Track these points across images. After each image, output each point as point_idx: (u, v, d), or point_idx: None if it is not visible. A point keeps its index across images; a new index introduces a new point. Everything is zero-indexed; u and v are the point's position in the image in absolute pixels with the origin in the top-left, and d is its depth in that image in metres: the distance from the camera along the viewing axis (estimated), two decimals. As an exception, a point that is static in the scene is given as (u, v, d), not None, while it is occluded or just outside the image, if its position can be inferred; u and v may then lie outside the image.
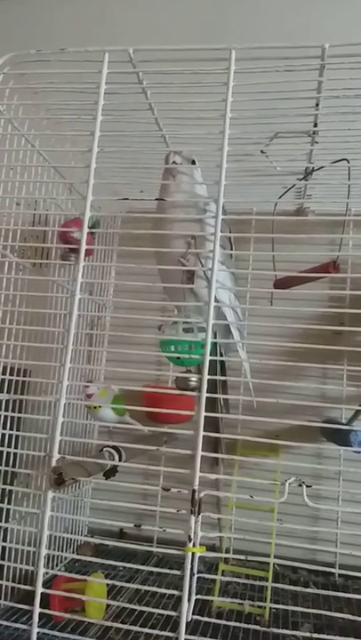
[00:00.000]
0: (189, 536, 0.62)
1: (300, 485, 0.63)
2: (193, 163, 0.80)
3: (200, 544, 0.63)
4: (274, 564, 0.94)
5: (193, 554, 0.62)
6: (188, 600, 0.62)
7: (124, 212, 1.19)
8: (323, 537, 1.06)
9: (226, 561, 1.00)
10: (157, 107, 0.82)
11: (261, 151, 0.84)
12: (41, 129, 0.85)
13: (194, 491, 0.63)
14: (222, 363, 0.84)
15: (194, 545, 0.62)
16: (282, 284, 0.92)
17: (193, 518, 0.62)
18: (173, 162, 0.78)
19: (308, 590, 0.70)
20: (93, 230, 0.74)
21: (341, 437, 0.90)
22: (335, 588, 1.02)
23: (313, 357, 0.92)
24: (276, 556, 0.92)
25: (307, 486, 0.63)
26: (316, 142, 0.82)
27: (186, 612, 0.62)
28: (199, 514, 0.63)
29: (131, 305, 0.75)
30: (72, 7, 1.38)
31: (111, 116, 0.75)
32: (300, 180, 0.88)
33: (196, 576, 0.62)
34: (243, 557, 0.70)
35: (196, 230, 0.75)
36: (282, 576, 1.06)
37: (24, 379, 0.83)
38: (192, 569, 0.62)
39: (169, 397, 0.98)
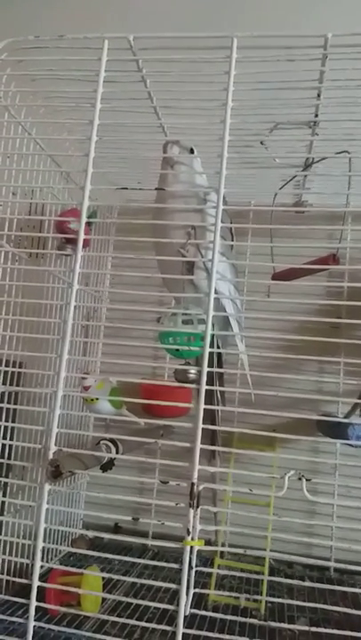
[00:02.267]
0: (188, 529, 0.61)
1: (300, 479, 0.63)
2: (191, 152, 0.79)
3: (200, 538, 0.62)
4: (269, 558, 0.94)
5: (191, 547, 0.61)
6: (187, 594, 0.61)
7: (121, 203, 1.18)
8: (318, 532, 1.06)
9: (221, 555, 1.00)
10: (157, 95, 0.81)
11: (261, 142, 0.84)
12: (38, 117, 0.84)
13: (193, 484, 0.62)
14: (219, 355, 0.84)
15: (192, 538, 0.62)
16: (281, 276, 0.91)
17: (192, 512, 0.62)
18: (171, 152, 0.77)
19: (304, 584, 0.69)
20: (91, 220, 0.73)
21: (339, 431, 0.90)
22: (330, 582, 1.02)
23: (310, 351, 0.91)
24: (271, 551, 0.92)
25: (306, 480, 0.63)
26: (317, 134, 0.81)
27: (184, 606, 0.61)
28: (198, 507, 0.62)
29: (127, 297, 0.74)
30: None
31: (110, 104, 0.74)
32: (301, 171, 0.87)
33: (194, 569, 0.61)
34: (241, 551, 0.70)
35: (196, 221, 0.74)
36: (277, 571, 1.06)
37: (20, 370, 0.82)
38: (190, 562, 0.61)
39: (166, 390, 0.97)
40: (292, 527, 0.96)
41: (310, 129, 0.80)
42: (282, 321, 0.95)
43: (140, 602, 0.72)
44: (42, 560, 0.67)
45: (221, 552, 1.00)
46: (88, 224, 0.72)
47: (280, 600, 0.88)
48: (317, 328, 0.86)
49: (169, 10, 1.26)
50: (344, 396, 1.04)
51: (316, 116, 0.77)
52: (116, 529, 1.16)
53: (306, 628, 0.75)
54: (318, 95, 0.74)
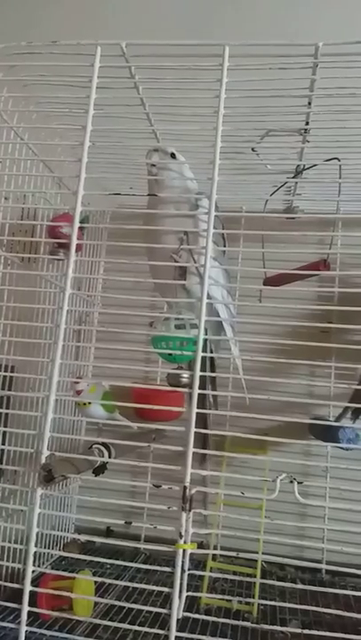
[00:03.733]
0: (180, 533, 0.62)
1: (292, 482, 0.63)
2: (173, 156, 0.80)
3: (192, 541, 0.63)
4: (261, 561, 0.95)
5: (184, 551, 0.62)
6: (179, 597, 0.62)
7: (113, 208, 1.18)
8: (310, 534, 1.07)
9: (214, 558, 1.00)
10: (149, 102, 0.81)
11: (253, 149, 0.84)
12: (31, 122, 0.84)
13: (185, 487, 0.62)
14: (212, 359, 0.84)
15: (185, 542, 0.62)
16: (272, 281, 0.92)
17: (184, 515, 0.62)
18: (151, 164, 0.78)
19: (296, 586, 0.70)
20: (83, 225, 0.73)
21: (330, 434, 0.90)
22: (322, 584, 1.03)
23: (301, 356, 0.92)
24: (263, 554, 0.93)
25: (298, 482, 0.63)
26: (308, 141, 0.82)
27: (177, 610, 0.61)
28: (190, 510, 0.62)
29: (120, 301, 0.75)
30: (64, -1, 1.36)
31: (102, 110, 0.74)
32: (292, 177, 0.88)
33: (187, 573, 0.62)
34: (233, 554, 0.70)
35: (188, 226, 0.74)
36: (269, 573, 1.06)
37: (12, 374, 0.82)
38: (183, 566, 0.62)
39: (158, 395, 0.98)
40: (285, 530, 0.97)
41: (301, 136, 0.81)
42: (273, 325, 0.95)
43: (133, 605, 0.72)
44: (34, 564, 0.67)
45: (214, 555, 1.00)
46: (80, 229, 0.73)
47: (272, 602, 0.88)
48: (308, 332, 0.87)
49: (162, 17, 1.27)
50: (335, 400, 1.05)
51: (307, 123, 0.78)
52: (109, 533, 1.16)
53: (298, 631, 0.76)
54: (309, 103, 0.75)
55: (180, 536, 0.62)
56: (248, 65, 0.71)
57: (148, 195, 0.78)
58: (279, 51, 0.69)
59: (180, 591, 0.62)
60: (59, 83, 0.77)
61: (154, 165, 0.76)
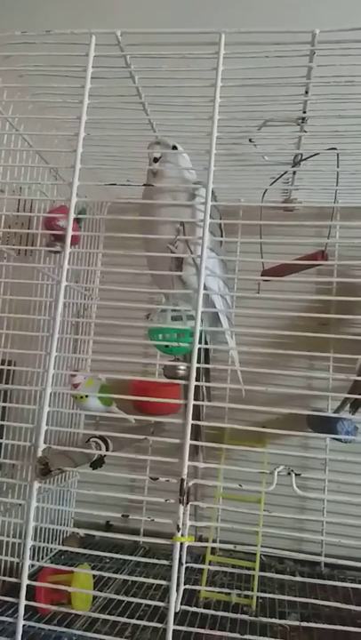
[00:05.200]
0: (178, 526, 0.61)
1: (290, 474, 0.63)
2: (174, 148, 0.79)
3: (188, 534, 0.62)
4: (260, 554, 0.94)
5: (181, 544, 0.61)
6: (177, 590, 0.61)
7: (110, 202, 1.18)
8: (309, 527, 1.06)
9: (213, 551, 1.00)
10: (145, 92, 0.80)
11: (250, 140, 0.84)
12: (26, 113, 0.83)
13: (182, 480, 0.62)
14: (206, 351, 0.84)
15: (182, 535, 0.62)
16: (270, 273, 0.91)
17: (181, 508, 0.62)
18: (153, 157, 0.77)
19: (295, 578, 0.69)
20: (80, 216, 0.72)
21: (329, 426, 0.90)
22: (321, 578, 1.03)
23: (299, 348, 0.92)
24: (262, 547, 0.93)
25: (296, 474, 0.63)
26: (305, 131, 0.81)
27: (174, 603, 0.61)
28: (187, 503, 0.62)
29: (117, 294, 0.74)
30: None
31: (98, 100, 0.73)
32: (292, 167, 0.87)
33: (184, 566, 0.61)
34: (232, 547, 0.70)
35: (185, 216, 0.74)
36: (268, 566, 1.06)
37: (9, 367, 0.82)
38: (180, 559, 0.61)
39: (155, 388, 0.97)
40: (283, 523, 0.97)
41: (299, 126, 0.80)
42: (271, 318, 0.95)
43: (131, 599, 0.72)
44: (32, 559, 0.66)
45: (213, 548, 1.00)
46: (77, 221, 0.72)
47: (271, 595, 0.88)
48: (307, 325, 0.86)
49: (157, 6, 1.26)
50: (333, 392, 1.04)
51: (305, 112, 0.77)
52: (108, 527, 1.15)
53: (297, 624, 0.76)
54: (306, 92, 0.74)
55: (178, 529, 0.61)
56: (244, 53, 0.70)
57: (145, 185, 0.78)
58: (276, 38, 0.68)
59: (178, 584, 0.61)
60: (54, 73, 0.76)
61: (157, 160, 0.75)
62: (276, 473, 0.62)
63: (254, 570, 0.90)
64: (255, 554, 0.94)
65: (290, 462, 0.68)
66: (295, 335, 0.69)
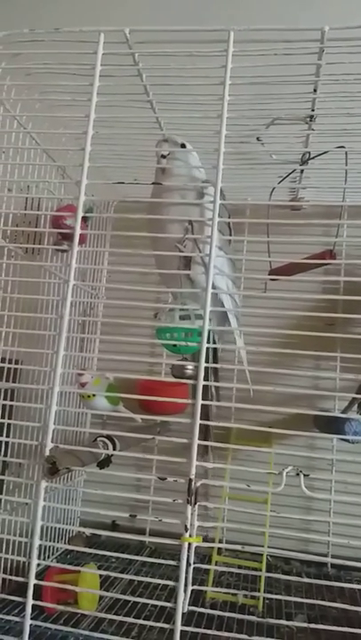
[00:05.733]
0: (186, 526, 0.61)
1: (298, 474, 0.62)
2: (183, 146, 0.79)
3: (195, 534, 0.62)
4: (266, 555, 0.94)
5: (189, 544, 0.61)
6: (185, 591, 0.61)
7: (117, 201, 1.18)
8: (315, 528, 1.06)
9: (219, 552, 1.00)
10: (153, 90, 0.80)
11: (257, 138, 0.83)
12: (34, 111, 0.83)
13: (190, 480, 0.62)
14: (215, 350, 0.83)
15: (190, 535, 0.61)
16: (278, 272, 0.91)
17: (189, 508, 0.61)
18: (163, 149, 0.77)
19: (302, 579, 0.69)
20: (88, 215, 0.72)
21: (336, 427, 0.89)
22: (328, 579, 1.02)
23: (306, 348, 0.91)
24: (269, 548, 0.92)
25: (305, 475, 0.62)
26: (313, 130, 0.81)
27: (182, 603, 0.61)
28: (195, 503, 0.62)
29: (124, 293, 0.74)
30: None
31: (106, 98, 0.73)
32: (300, 165, 0.86)
33: (192, 566, 0.61)
34: (239, 547, 0.69)
35: (193, 215, 0.73)
36: (274, 567, 1.05)
37: (16, 366, 0.82)
38: (188, 559, 0.61)
39: (162, 388, 0.97)
40: (289, 523, 0.96)
41: (307, 124, 0.80)
42: (277, 317, 0.95)
43: (138, 599, 0.72)
44: (38, 558, 0.66)
45: (219, 549, 0.99)
46: (84, 220, 0.72)
47: (278, 596, 0.87)
48: (313, 325, 0.86)
49: (166, 3, 1.25)
50: (341, 394, 1.04)
51: (313, 110, 0.77)
52: (114, 527, 1.15)
53: (305, 625, 0.75)
54: (315, 90, 0.74)
55: (186, 529, 0.61)
56: (253, 50, 0.69)
57: (153, 183, 0.77)
58: (285, 36, 0.68)
59: (186, 585, 0.61)
60: (62, 71, 0.76)
61: (164, 157, 0.75)
62: (284, 473, 0.62)
63: (261, 570, 0.90)
64: (261, 554, 0.94)
65: (297, 463, 0.67)
66: (302, 335, 0.68)
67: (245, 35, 0.69)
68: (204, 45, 0.71)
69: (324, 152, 0.80)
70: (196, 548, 0.63)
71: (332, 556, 1.03)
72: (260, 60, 0.69)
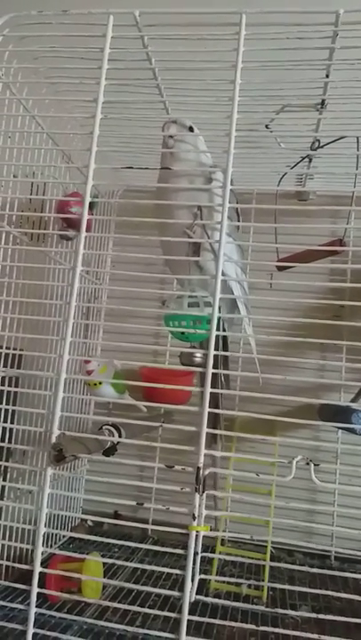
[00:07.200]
0: (194, 514, 0.60)
1: (308, 464, 0.62)
2: (190, 129, 0.77)
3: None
4: (270, 546, 0.94)
5: (197, 533, 0.60)
6: (192, 580, 0.60)
7: (122, 190, 1.17)
8: (319, 520, 1.05)
9: (222, 543, 0.99)
10: (162, 75, 0.79)
11: (266, 126, 0.82)
12: (41, 96, 0.82)
13: (198, 468, 0.61)
14: (225, 338, 0.82)
15: (198, 524, 0.61)
16: (287, 260, 0.90)
17: (197, 496, 0.61)
18: (170, 131, 0.75)
19: (306, 569, 0.68)
20: (94, 200, 0.71)
21: (344, 418, 0.89)
22: (331, 570, 1.02)
23: (313, 344, 0.91)
24: (274, 538, 0.92)
25: (315, 465, 0.62)
26: (324, 117, 0.80)
27: (189, 592, 0.60)
28: (203, 492, 0.61)
29: (129, 277, 0.73)
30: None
31: (113, 83, 0.72)
32: (311, 149, 0.85)
33: (199, 555, 0.60)
34: (245, 536, 0.69)
35: (202, 200, 0.72)
36: (278, 559, 1.05)
37: (21, 352, 0.81)
38: (195, 548, 0.60)
39: (165, 380, 0.96)
40: (294, 515, 0.95)
41: (317, 111, 0.79)
42: (283, 308, 0.94)
43: (143, 588, 0.71)
44: (43, 546, 0.66)
45: (222, 540, 0.99)
46: (90, 207, 0.70)
47: (281, 585, 0.87)
48: (320, 316, 0.85)
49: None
50: (347, 386, 1.03)
51: (325, 95, 0.75)
52: (116, 516, 1.14)
53: (314, 615, 0.75)
54: (327, 75, 0.73)
55: (194, 517, 0.60)
56: (265, 34, 0.68)
57: (162, 168, 0.76)
58: (298, 19, 0.66)
59: (193, 574, 0.60)
60: (70, 54, 0.75)
61: (171, 137, 0.73)
62: (294, 463, 0.61)
63: (265, 561, 0.90)
64: (265, 545, 0.93)
65: (301, 453, 0.66)
66: (308, 325, 0.67)
67: (258, 18, 0.68)
68: (216, 28, 0.69)
69: (338, 138, 0.78)
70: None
71: (336, 550, 1.03)
72: (273, 43, 0.68)
